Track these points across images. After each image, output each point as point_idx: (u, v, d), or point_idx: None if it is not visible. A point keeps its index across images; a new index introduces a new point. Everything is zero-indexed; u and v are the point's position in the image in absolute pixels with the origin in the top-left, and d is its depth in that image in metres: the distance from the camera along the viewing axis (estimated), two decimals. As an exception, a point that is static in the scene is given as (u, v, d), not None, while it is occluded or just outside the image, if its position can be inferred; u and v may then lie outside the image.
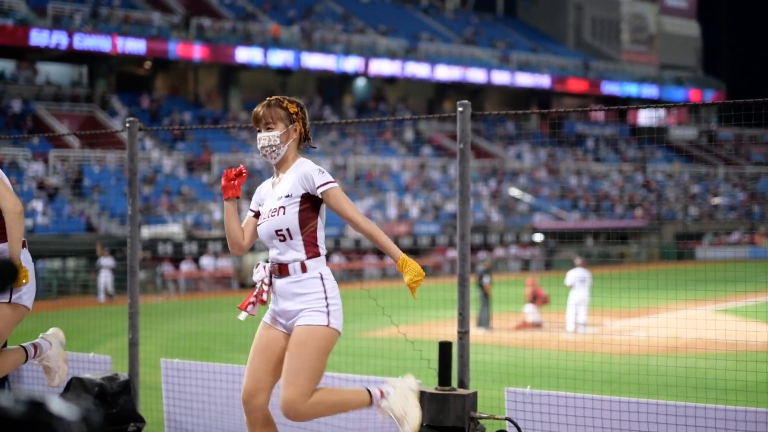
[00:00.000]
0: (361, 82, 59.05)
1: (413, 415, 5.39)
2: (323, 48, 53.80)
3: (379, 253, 40.32)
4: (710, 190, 59.23)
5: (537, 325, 22.05)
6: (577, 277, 21.27)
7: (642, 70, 72.20)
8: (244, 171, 5.44)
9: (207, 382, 7.87)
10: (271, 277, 5.28)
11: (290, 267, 5.19)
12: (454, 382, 6.56)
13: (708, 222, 54.53)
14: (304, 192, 5.20)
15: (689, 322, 17.17)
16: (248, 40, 50.94)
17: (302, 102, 5.48)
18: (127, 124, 7.95)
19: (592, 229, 44.23)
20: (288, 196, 5.21)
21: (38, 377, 8.55)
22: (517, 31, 71.35)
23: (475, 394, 6.44)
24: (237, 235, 5.44)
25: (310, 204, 5.22)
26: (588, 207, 52.88)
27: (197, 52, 49.15)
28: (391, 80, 58.50)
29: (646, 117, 65.47)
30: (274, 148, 5.27)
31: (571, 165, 58.12)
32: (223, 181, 5.46)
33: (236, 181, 5.44)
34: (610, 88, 66.87)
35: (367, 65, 55.15)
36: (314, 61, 53.17)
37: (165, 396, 8.09)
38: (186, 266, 34.57)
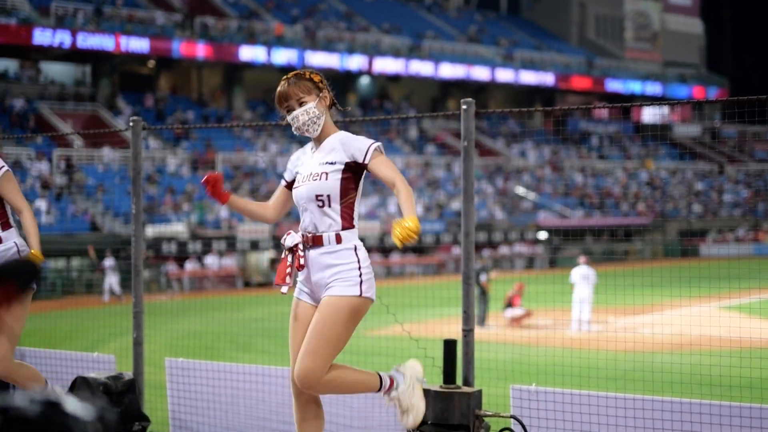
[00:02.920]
0: (365, 81, 59.06)
1: (418, 408, 5.38)
2: (327, 46, 53.81)
3: (383, 250, 40.34)
4: (714, 187, 59.19)
5: (527, 314, 22.12)
6: (580, 274, 21.27)
7: (646, 67, 72.14)
8: (214, 175, 5.29)
9: (212, 381, 7.87)
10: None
11: (324, 237, 5.12)
12: (459, 380, 6.56)
13: (712, 219, 54.49)
14: (348, 160, 5.14)
15: (694, 319, 17.15)
16: (252, 39, 50.95)
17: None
18: (131, 123, 7.95)
19: (596, 227, 44.20)
20: (331, 162, 5.14)
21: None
22: (520, 29, 71.31)
23: (479, 391, 6.43)
24: (259, 215, 5.45)
25: (352, 174, 5.16)
26: (592, 204, 52.86)
27: (201, 50, 49.16)
28: (395, 78, 58.50)
29: (649, 114, 65.40)
30: (314, 120, 5.19)
31: (575, 162, 58.09)
32: (208, 194, 5.37)
33: (217, 187, 5.30)
34: (613, 85, 66.83)
35: (370, 63, 55.14)
36: (318, 59, 53.16)
37: (170, 395, 8.09)
38: (190, 265, 34.59)
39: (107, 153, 39.40)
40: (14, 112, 42.33)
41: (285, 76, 5.35)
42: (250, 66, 52.24)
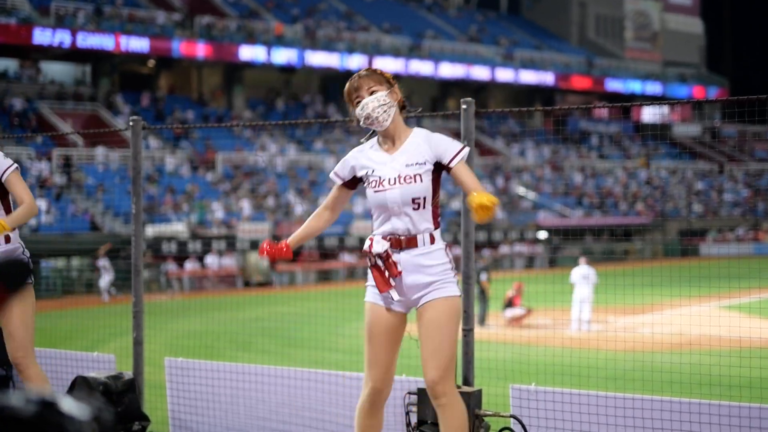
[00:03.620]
0: (364, 80, 58.98)
1: None
2: (327, 46, 53.82)
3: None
4: (714, 186, 59.20)
5: (527, 313, 22.14)
6: (580, 274, 21.28)
7: (646, 67, 72.15)
8: (272, 251, 5.42)
9: (211, 380, 7.87)
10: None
11: (419, 238, 5.06)
12: (459, 380, 6.56)
13: (712, 219, 54.50)
14: (436, 161, 5.09)
15: (694, 319, 17.15)
16: (252, 39, 50.95)
17: None
18: (131, 123, 7.95)
19: (596, 226, 44.21)
20: (422, 163, 5.06)
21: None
22: (520, 29, 71.32)
23: (479, 391, 6.43)
24: (321, 228, 5.45)
25: (438, 174, 5.13)
26: (592, 204, 52.86)
27: (201, 50, 49.16)
28: (394, 78, 58.41)
29: (649, 114, 65.41)
30: (385, 109, 5.10)
31: (575, 162, 58.09)
32: (274, 256, 5.44)
33: (275, 253, 5.45)
34: (613, 85, 66.84)
35: (370, 63, 55.10)
36: (318, 59, 53.18)
37: (169, 395, 8.09)
38: (190, 265, 34.59)
39: (101, 152, 39.35)
40: (14, 112, 42.33)
41: (358, 72, 5.29)
42: (250, 66, 52.24)
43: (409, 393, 6.55)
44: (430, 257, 5.06)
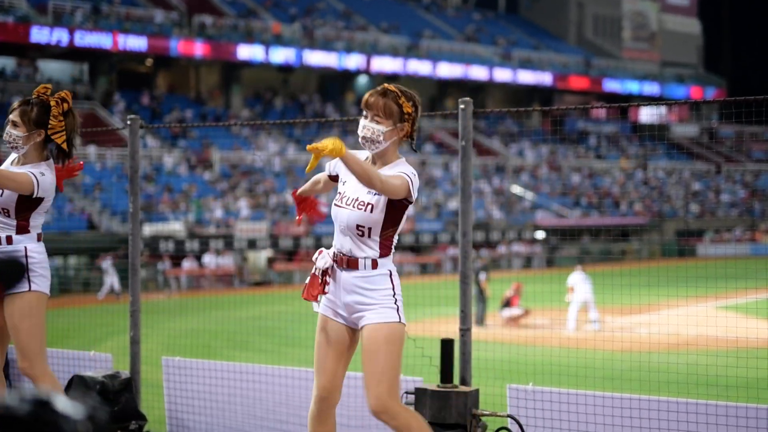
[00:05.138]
0: (362, 80, 59.03)
1: None
2: (325, 45, 53.82)
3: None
4: (711, 187, 59.24)
5: (525, 313, 22.14)
6: (578, 278, 21.30)
7: (643, 67, 72.19)
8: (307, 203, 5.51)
9: (208, 379, 7.87)
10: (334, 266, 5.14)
11: (360, 262, 5.05)
12: (456, 380, 6.57)
13: (709, 219, 54.53)
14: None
15: (690, 319, 17.17)
16: (250, 38, 50.95)
17: (418, 99, 5.19)
18: (129, 122, 7.95)
19: (593, 226, 44.24)
20: (378, 195, 5.01)
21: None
22: (519, 29, 71.34)
23: (477, 391, 6.44)
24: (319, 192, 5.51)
25: (398, 208, 5.06)
26: (590, 204, 52.89)
27: (199, 49, 49.15)
28: (393, 78, 58.38)
29: (647, 114, 65.43)
30: (374, 143, 5.06)
31: (572, 162, 58.12)
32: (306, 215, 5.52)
33: (310, 207, 5.53)
34: (611, 85, 66.87)
35: (368, 63, 55.15)
36: (316, 58, 53.18)
37: (166, 394, 8.09)
38: (188, 264, 34.57)
39: (93, 151, 39.32)
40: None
41: (385, 86, 5.17)
42: (248, 65, 52.23)
43: (407, 393, 6.55)
44: (370, 281, 5.05)
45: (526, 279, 25.60)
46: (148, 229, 34.53)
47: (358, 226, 5.03)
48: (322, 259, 5.13)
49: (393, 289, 5.09)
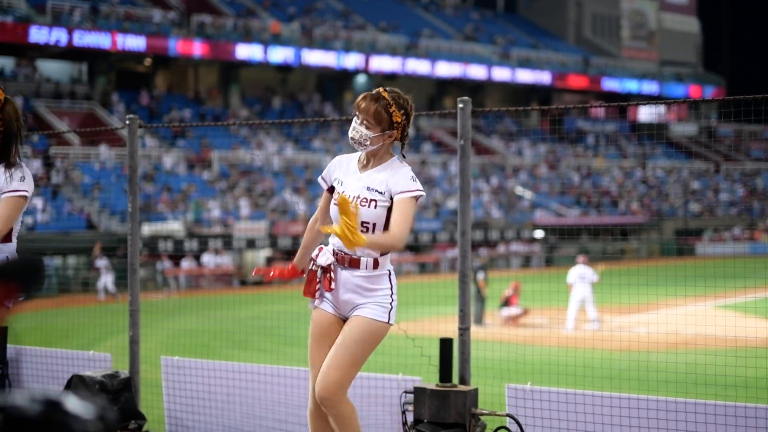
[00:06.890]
0: (361, 79, 59.03)
1: None
2: (323, 45, 53.80)
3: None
4: (710, 186, 59.26)
5: (524, 313, 22.14)
6: (578, 274, 21.26)
7: (642, 66, 72.19)
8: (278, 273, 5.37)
9: (207, 379, 7.87)
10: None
11: (362, 261, 5.07)
12: (455, 379, 6.57)
13: (708, 218, 54.54)
14: (391, 195, 5.08)
15: (689, 319, 17.19)
16: (248, 37, 50.93)
17: (412, 106, 5.26)
18: (127, 122, 7.95)
19: (592, 226, 44.22)
20: (381, 192, 5.06)
21: (37, 376, 8.53)
22: (517, 28, 71.33)
23: (476, 390, 6.44)
24: (317, 241, 5.39)
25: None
26: (589, 203, 52.88)
27: (197, 48, 49.13)
28: (391, 77, 58.47)
29: (646, 113, 65.44)
30: (361, 145, 5.12)
31: (571, 161, 58.12)
32: (284, 277, 5.40)
33: (285, 274, 5.39)
34: (610, 84, 66.86)
35: (367, 62, 55.14)
36: (314, 57, 53.16)
37: (165, 393, 8.10)
38: (187, 263, 34.57)
39: (94, 151, 39.35)
40: (10, 110, 42.23)
41: (380, 90, 5.24)
42: (246, 64, 52.22)
43: (406, 392, 6.56)
44: (371, 281, 5.09)
45: (525, 278, 25.58)
46: (147, 229, 34.52)
47: (363, 222, 5.05)
48: (323, 256, 5.14)
49: (391, 289, 5.14)
